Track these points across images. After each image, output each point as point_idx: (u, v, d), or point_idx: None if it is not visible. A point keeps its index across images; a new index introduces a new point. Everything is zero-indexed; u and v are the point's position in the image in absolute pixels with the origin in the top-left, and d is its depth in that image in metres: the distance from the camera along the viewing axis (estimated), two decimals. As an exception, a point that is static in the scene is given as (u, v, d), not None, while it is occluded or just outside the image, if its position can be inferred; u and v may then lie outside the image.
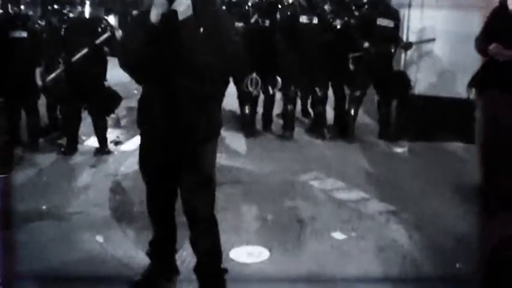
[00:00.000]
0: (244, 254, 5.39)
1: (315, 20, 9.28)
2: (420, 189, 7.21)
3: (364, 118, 10.70)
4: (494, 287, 4.35)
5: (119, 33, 8.44)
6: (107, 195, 6.91)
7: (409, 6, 9.55)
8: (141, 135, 4.49)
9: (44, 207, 6.40)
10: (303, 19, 9.26)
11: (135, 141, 8.29)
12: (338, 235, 5.83)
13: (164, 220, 4.63)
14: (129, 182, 7.13)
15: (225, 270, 4.53)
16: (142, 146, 4.48)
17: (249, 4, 10.19)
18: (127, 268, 5.05)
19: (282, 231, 5.91)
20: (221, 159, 7.78)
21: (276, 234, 5.82)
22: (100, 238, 5.67)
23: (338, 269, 5.15)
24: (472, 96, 6.60)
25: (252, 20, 9.52)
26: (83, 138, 9.04)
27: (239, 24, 9.33)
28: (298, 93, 9.92)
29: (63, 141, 8.84)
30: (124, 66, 4.15)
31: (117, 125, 9.91)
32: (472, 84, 6.56)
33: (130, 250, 5.38)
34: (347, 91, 9.81)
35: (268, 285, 4.92)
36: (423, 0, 9.37)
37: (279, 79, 9.41)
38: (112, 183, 7.29)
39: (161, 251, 4.72)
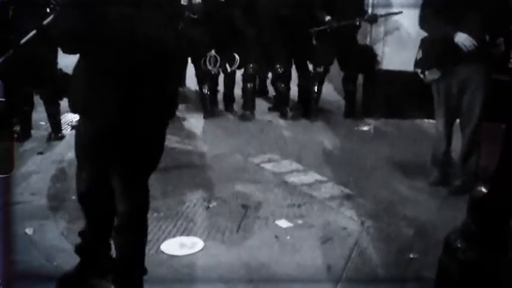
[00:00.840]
0: (177, 246, 4.97)
1: (277, -4, 8.82)
2: (382, 171, 6.79)
3: (333, 95, 10.25)
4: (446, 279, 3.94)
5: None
6: (48, 183, 6.44)
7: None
8: (82, 118, 3.92)
9: (-21, 198, 5.92)
10: (263, -6, 8.80)
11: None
12: (283, 223, 5.41)
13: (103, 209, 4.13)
14: (74, 168, 6.65)
15: (144, 271, 4.08)
16: (85, 130, 3.89)
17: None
18: (52, 262, 4.69)
19: (223, 219, 5.50)
20: (172, 141, 7.46)
21: (215, 223, 5.41)
22: (29, 230, 5.26)
23: (277, 261, 4.74)
24: (431, 77, 6.19)
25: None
26: (42, 123, 8.50)
27: (197, 0, 8.86)
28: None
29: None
30: (61, 37, 3.65)
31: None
32: (430, 64, 6.16)
33: (60, 242, 5.00)
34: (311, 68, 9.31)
35: (198, 281, 4.47)
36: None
37: (237, 56, 8.92)
38: (55, 170, 6.82)
39: (96, 243, 4.26)
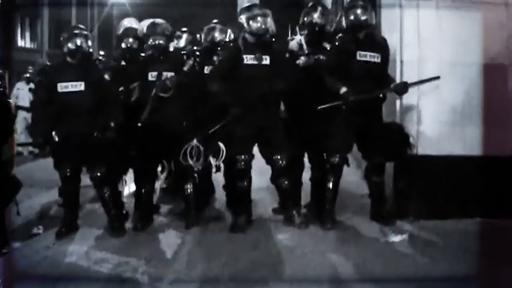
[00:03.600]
0: None
1: (267, 61, 6.63)
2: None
3: (361, 186, 7.96)
4: None
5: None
6: None
7: (401, 27, 7.13)
8: None
9: None
10: (248, 59, 6.63)
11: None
12: None
13: None
14: None
15: None
16: None
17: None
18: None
19: None
20: (130, 268, 5.61)
21: None
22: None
23: None
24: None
25: (186, 68, 6.94)
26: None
27: (168, 74, 6.82)
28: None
29: None
30: None
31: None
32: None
33: None
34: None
35: None
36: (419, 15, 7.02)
37: (222, 146, 6.81)
38: None
39: None
